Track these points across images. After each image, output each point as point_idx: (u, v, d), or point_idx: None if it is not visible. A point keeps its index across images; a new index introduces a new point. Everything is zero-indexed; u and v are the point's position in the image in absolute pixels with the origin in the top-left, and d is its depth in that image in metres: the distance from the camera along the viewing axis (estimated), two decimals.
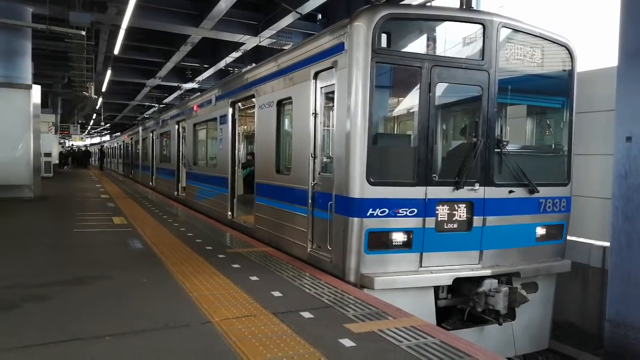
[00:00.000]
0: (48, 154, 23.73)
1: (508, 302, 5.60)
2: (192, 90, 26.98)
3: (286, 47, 15.05)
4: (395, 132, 7.05)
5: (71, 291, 4.89)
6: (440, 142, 6.79)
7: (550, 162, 6.65)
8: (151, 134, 20.39)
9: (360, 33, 5.26)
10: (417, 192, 5.42)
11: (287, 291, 4.94)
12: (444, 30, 5.84)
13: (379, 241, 5.35)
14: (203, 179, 11.92)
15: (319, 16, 16.67)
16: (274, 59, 7.77)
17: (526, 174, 5.97)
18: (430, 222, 5.49)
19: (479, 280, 5.65)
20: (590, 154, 7.87)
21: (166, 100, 34.14)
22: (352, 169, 5.32)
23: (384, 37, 5.31)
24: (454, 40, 5.89)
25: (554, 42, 6.27)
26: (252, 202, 8.41)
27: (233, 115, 9.71)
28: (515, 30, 5.95)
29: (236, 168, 9.79)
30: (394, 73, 5.80)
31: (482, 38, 5.66)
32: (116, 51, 18.30)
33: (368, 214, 5.26)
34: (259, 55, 19.82)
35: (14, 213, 11.13)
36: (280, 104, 7.38)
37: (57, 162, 32.57)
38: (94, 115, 46.30)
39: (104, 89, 27.42)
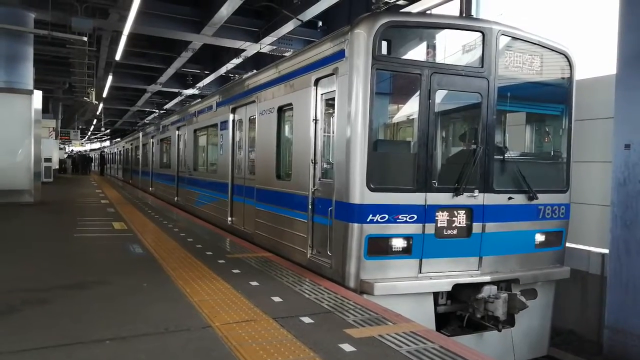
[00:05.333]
0: (48, 159, 23.77)
1: (507, 308, 5.61)
2: (193, 96, 27.07)
3: (287, 54, 15.15)
4: (395, 139, 7.07)
5: (72, 295, 4.90)
6: (440, 149, 6.82)
7: (550, 169, 6.68)
8: (151, 140, 20.42)
9: (361, 40, 5.30)
10: (416, 198, 5.44)
11: (287, 296, 4.96)
12: (443, 38, 5.89)
13: (378, 247, 5.37)
14: (203, 184, 11.94)
15: (320, 23, 16.78)
16: (275, 65, 7.81)
17: (525, 181, 6.00)
18: (429, 228, 5.51)
19: (478, 286, 5.66)
20: (590, 161, 7.90)
21: (167, 106, 34.25)
22: (352, 175, 5.35)
23: (384, 44, 5.35)
24: (453, 47, 5.94)
25: (553, 50, 6.31)
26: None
27: (234, 121, 9.76)
28: (514, 38, 5.99)
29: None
30: (394, 80, 5.84)
31: (481, 46, 5.71)
32: (117, 57, 18.41)
33: (368, 220, 5.28)
34: (259, 61, 19.93)
35: (14, 218, 11.13)
36: (281, 110, 7.42)
37: (57, 167, 32.63)
38: (95, 121, 46.39)
39: (104, 95, 27.51)
